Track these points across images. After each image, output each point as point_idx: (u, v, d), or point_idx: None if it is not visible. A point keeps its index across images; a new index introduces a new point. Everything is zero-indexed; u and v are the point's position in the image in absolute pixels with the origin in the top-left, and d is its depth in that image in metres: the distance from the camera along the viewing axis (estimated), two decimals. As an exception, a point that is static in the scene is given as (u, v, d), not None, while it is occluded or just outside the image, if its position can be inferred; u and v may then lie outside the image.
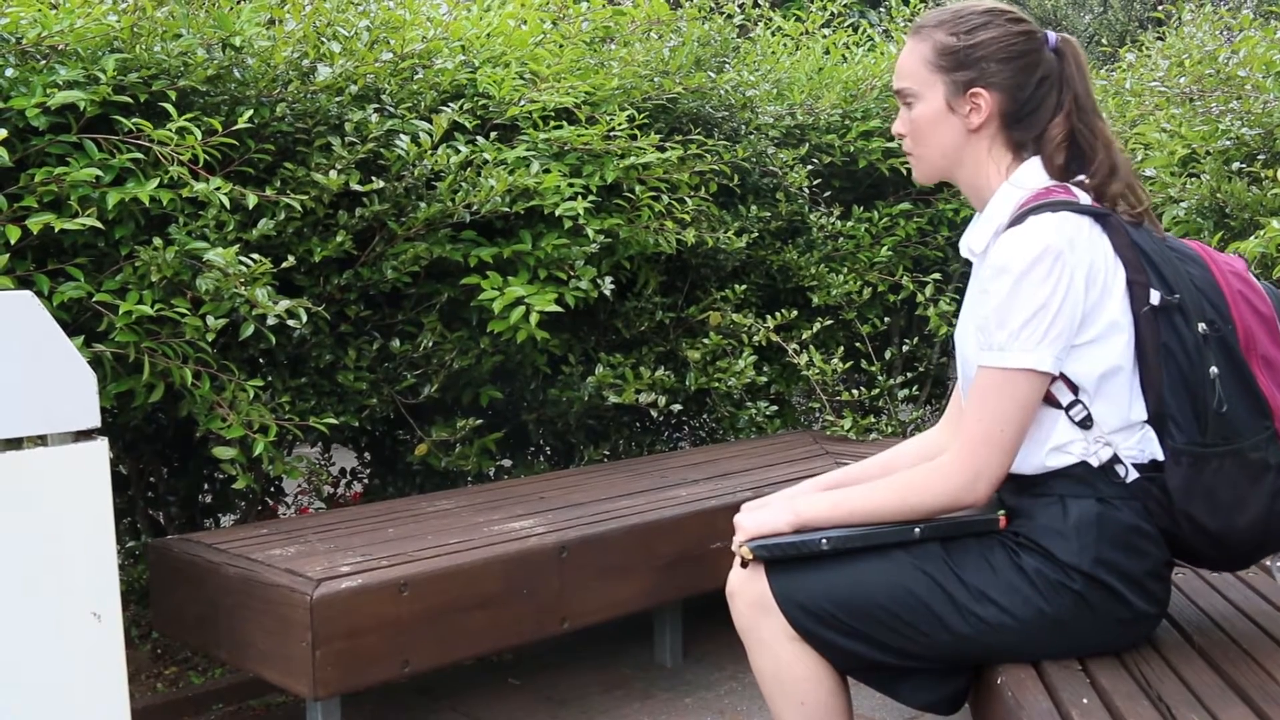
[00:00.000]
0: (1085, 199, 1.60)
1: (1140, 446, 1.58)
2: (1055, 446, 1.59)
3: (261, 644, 2.14)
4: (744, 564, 1.68)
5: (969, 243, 1.70)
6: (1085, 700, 1.42)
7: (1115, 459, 1.57)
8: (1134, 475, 1.57)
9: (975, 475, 1.56)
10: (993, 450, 1.55)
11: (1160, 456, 1.56)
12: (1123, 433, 1.58)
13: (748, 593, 1.67)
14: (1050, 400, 1.58)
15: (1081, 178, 1.63)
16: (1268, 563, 2.01)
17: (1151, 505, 1.56)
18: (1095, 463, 1.57)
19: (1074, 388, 1.57)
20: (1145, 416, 1.57)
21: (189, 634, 2.36)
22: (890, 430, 3.62)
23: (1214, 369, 1.53)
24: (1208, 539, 1.55)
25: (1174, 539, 1.58)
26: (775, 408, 3.76)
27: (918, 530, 1.61)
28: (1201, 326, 1.54)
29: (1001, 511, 1.62)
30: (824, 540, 1.62)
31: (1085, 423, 1.57)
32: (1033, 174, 1.64)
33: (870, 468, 1.88)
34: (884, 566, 1.60)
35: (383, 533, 2.43)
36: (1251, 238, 2.84)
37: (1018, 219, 1.58)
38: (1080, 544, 1.54)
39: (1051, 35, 1.67)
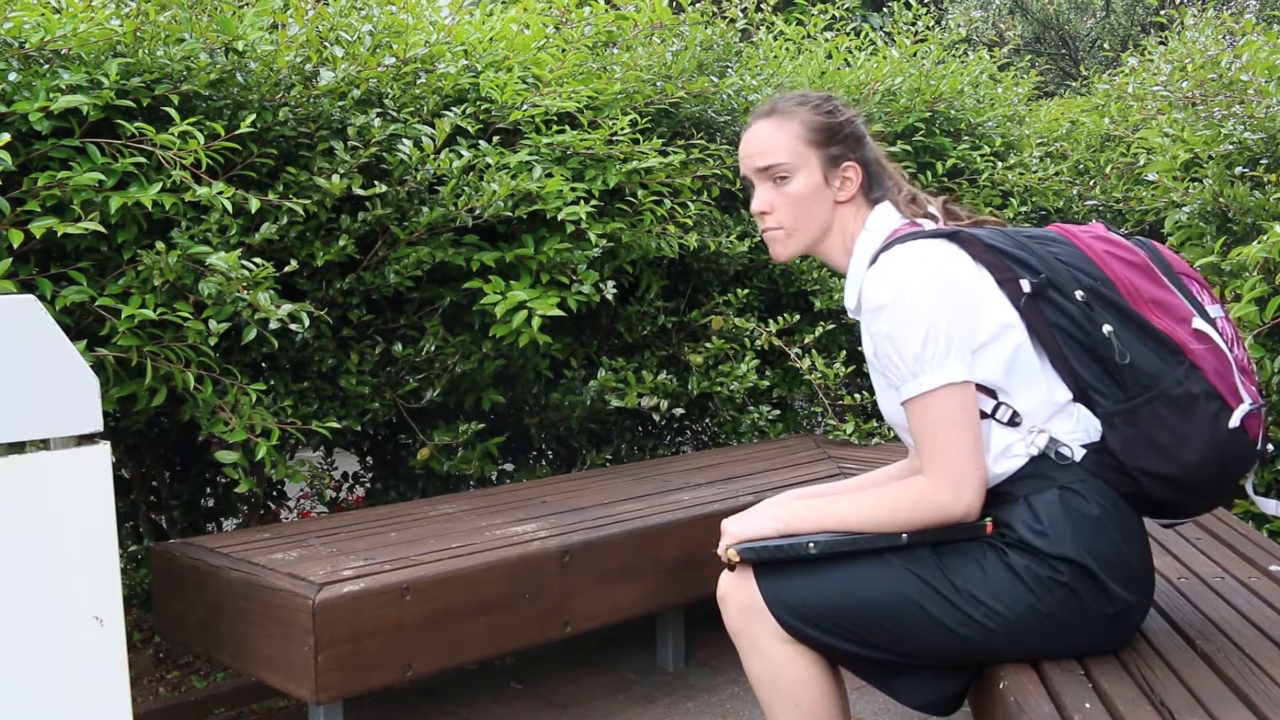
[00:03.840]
0: (931, 227, 1.68)
1: (1082, 427, 1.61)
2: (999, 453, 1.62)
3: (264, 648, 2.14)
4: (731, 567, 1.68)
5: (848, 303, 1.77)
6: (1088, 705, 1.42)
7: (1053, 440, 1.60)
8: (1080, 452, 1.60)
9: (957, 485, 1.57)
10: (960, 458, 1.57)
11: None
12: (1055, 419, 1.61)
13: (738, 597, 1.68)
14: None
15: (932, 209, 1.72)
16: (1273, 569, 2.01)
17: (1109, 476, 1.59)
18: (1035, 451, 1.60)
19: (990, 392, 1.61)
20: (1070, 396, 1.61)
21: (191, 638, 2.36)
22: (892, 434, 3.61)
23: (1107, 327, 1.57)
24: (1170, 485, 1.58)
25: (1145, 500, 1.61)
26: (777, 412, 3.76)
27: (905, 536, 1.62)
28: (1079, 294, 1.58)
29: (988, 518, 1.62)
30: (811, 544, 1.63)
31: (1014, 420, 1.61)
32: (884, 217, 1.73)
33: (847, 489, 1.89)
34: (876, 569, 1.61)
35: (385, 537, 2.43)
36: (1254, 242, 2.84)
37: (874, 260, 1.65)
38: (1058, 535, 1.56)
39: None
